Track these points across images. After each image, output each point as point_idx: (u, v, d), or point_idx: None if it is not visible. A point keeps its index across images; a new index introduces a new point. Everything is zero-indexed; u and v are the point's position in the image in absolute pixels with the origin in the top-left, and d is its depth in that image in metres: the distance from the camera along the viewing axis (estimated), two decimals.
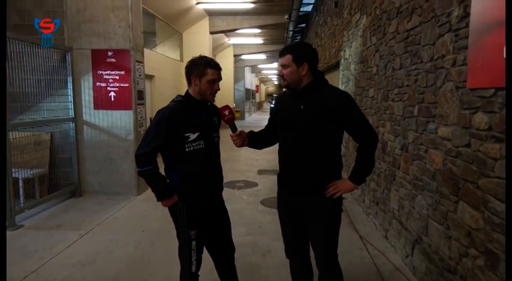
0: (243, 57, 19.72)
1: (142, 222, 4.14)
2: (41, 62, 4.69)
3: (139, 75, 5.20)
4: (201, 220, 2.06)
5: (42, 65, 4.72)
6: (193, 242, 2.03)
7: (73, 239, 3.61)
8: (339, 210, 2.05)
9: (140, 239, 3.67)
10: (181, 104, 2.01)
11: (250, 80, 28.82)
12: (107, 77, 4.98)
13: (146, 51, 7.88)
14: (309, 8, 11.03)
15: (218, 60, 12.70)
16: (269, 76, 37.74)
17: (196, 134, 1.98)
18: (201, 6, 9.41)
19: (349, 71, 5.52)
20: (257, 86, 35.76)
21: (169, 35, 10.40)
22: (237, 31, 12.38)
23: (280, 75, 2.00)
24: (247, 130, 2.20)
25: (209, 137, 2.05)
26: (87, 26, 4.91)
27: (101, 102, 5.03)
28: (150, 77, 8.21)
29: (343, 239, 2.25)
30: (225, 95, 16.88)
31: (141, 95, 5.25)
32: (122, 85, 4.99)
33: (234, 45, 16.39)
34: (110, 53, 4.93)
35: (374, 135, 1.99)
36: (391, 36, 3.47)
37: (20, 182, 4.51)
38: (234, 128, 2.06)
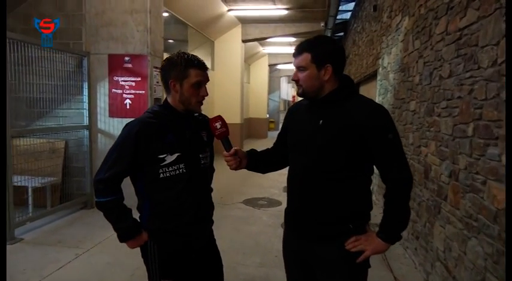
0: (279, 67, 19.31)
1: None
2: (58, 67, 4.53)
3: (157, 82, 4.89)
4: (178, 266, 1.59)
5: (59, 70, 4.55)
6: None
7: (67, 260, 3.27)
8: (365, 267, 1.51)
9: (139, 264, 3.21)
10: (156, 115, 1.57)
11: (287, 91, 28.38)
12: (123, 83, 4.72)
13: None
14: (347, 16, 10.44)
15: (252, 69, 12.49)
16: None
17: (175, 155, 1.53)
18: (232, 13, 9.11)
19: (388, 81, 4.90)
20: (293, 96, 35.18)
21: (200, 43, 10.20)
22: (272, 40, 11.99)
23: (295, 81, 1.51)
24: None
25: (193, 159, 1.60)
26: (105, 30, 4.69)
27: (116, 109, 4.77)
28: None
29: (373, 280, 1.69)
30: (259, 106, 16.56)
31: (158, 103, 4.93)
32: (137, 92, 4.70)
33: (269, 54, 16.02)
34: (126, 58, 4.67)
35: (407, 177, 1.45)
36: (438, 38, 2.88)
37: (29, 191, 4.31)
38: (227, 146, 1.58)
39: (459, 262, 2.37)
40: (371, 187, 1.58)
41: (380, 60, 5.55)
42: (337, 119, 1.45)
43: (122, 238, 1.54)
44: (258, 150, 1.76)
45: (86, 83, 4.73)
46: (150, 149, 1.50)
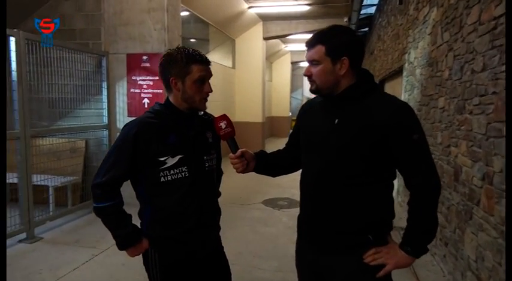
0: (302, 64, 19.05)
1: None
2: (78, 68, 4.56)
3: None
4: (181, 276, 1.48)
5: (79, 70, 4.58)
6: None
7: (83, 260, 3.26)
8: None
9: None
10: (157, 115, 1.47)
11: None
12: (141, 82, 4.70)
13: None
14: (372, 10, 10.10)
15: (275, 68, 12.41)
16: None
17: (177, 157, 1.42)
18: (253, 11, 8.99)
19: (414, 77, 4.64)
20: None
21: (222, 42, 10.15)
22: (294, 37, 11.78)
23: (307, 76, 1.36)
24: None
25: (197, 161, 1.49)
26: (123, 29, 4.68)
27: (135, 109, 4.76)
28: None
29: None
30: (281, 104, 16.39)
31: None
32: (155, 91, 4.67)
33: (292, 52, 15.80)
34: (144, 58, 4.64)
35: (435, 182, 1.29)
36: (470, 29, 2.64)
37: (50, 190, 4.36)
38: (233, 147, 1.45)
39: (493, 273, 2.16)
40: (395, 190, 1.41)
41: (406, 55, 5.28)
42: (354, 118, 1.30)
43: (121, 246, 1.45)
44: (278, 149, 1.64)
45: (105, 83, 4.75)
46: (150, 152, 1.40)
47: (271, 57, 14.99)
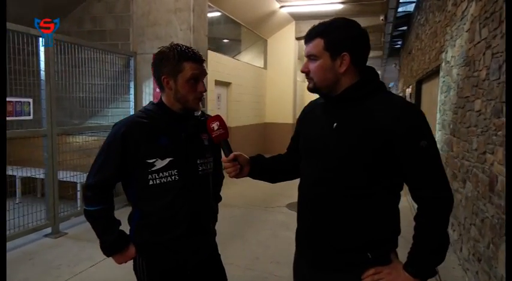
0: None
1: None
2: (107, 68, 4.67)
3: None
4: None
5: (108, 70, 4.70)
6: None
7: (101, 257, 3.30)
8: None
9: None
10: (148, 115, 1.40)
11: None
12: None
13: (223, 57, 7.65)
14: (411, 8, 9.64)
15: None
16: None
17: (167, 160, 1.35)
18: (285, 10, 8.85)
19: (451, 77, 4.33)
20: None
21: (253, 42, 10.10)
22: None
23: (304, 72, 1.25)
24: None
25: (189, 164, 1.41)
26: (151, 30, 4.74)
27: None
28: (226, 84, 7.95)
29: None
30: None
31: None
32: None
33: None
34: None
35: (446, 196, 1.14)
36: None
37: (78, 186, 4.49)
38: (226, 150, 1.36)
39: None
40: (399, 206, 1.26)
41: (443, 54, 4.95)
42: (355, 122, 1.17)
43: (107, 252, 1.41)
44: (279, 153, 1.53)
45: (133, 83, 4.83)
46: (139, 153, 1.34)
47: (304, 57, 14.76)
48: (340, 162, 1.18)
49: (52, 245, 3.58)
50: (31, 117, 3.36)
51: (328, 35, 1.18)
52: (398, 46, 13.69)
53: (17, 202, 4.36)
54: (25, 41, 3.30)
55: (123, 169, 1.36)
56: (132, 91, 4.84)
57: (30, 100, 3.37)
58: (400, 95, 12.79)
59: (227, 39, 9.99)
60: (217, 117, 1.37)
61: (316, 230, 1.25)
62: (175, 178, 1.37)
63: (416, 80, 7.35)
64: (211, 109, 6.62)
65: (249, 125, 9.12)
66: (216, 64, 7.04)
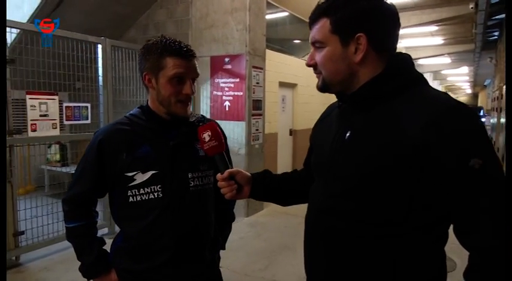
0: (421, 62, 17.07)
1: (228, 255, 3.48)
2: None
3: (257, 82, 4.65)
4: None
5: None
6: None
7: None
8: None
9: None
10: (131, 121, 1.21)
11: None
12: (223, 85, 4.64)
13: (288, 58, 7.39)
14: None
15: None
16: (458, 84, 32.16)
17: (149, 173, 1.15)
18: None
19: None
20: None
21: None
22: (408, 31, 10.51)
23: (311, 66, 0.95)
24: None
25: (177, 179, 1.19)
26: (208, 32, 4.69)
27: (217, 112, 4.73)
28: (292, 86, 7.66)
29: None
30: None
31: (257, 105, 4.69)
32: (236, 94, 4.55)
33: (406, 48, 14.21)
34: (226, 59, 4.57)
35: (495, 245, 0.74)
36: None
37: None
38: (221, 166, 1.10)
39: None
40: (444, 248, 0.88)
41: None
42: (373, 131, 0.85)
43: (85, 275, 1.25)
44: (295, 169, 1.24)
45: None
46: (117, 164, 1.16)
47: None
48: (349, 186, 0.85)
49: (109, 244, 3.67)
50: (89, 121, 3.49)
51: (336, 13, 0.87)
52: (495, 37, 12.01)
53: None
54: (83, 48, 3.43)
55: (101, 183, 1.20)
56: None
57: (88, 105, 3.50)
58: (496, 93, 11.24)
59: (296, 39, 9.69)
60: (210, 126, 1.12)
61: (321, 271, 0.94)
62: (158, 195, 1.16)
63: None
64: (275, 111, 6.41)
65: None
66: (280, 65, 6.80)
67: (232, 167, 1.11)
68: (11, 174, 2.92)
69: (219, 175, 1.09)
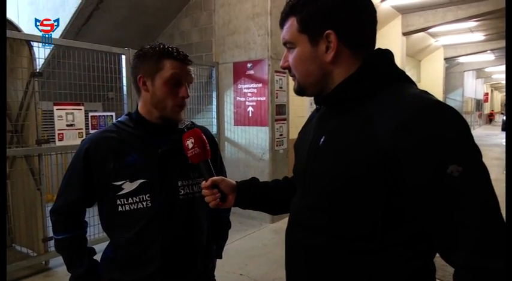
0: (461, 60, 16.26)
1: (249, 262, 3.45)
2: (194, 80, 4.83)
3: (280, 87, 4.60)
4: None
5: (194, 82, 4.84)
6: None
7: None
8: None
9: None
10: (118, 128, 1.20)
11: (475, 87, 23.87)
12: (246, 90, 4.63)
13: None
14: None
15: (424, 66, 11.07)
16: (503, 82, 30.28)
17: (138, 182, 1.13)
18: (387, 4, 7.95)
19: None
20: (486, 94, 29.33)
21: None
22: (446, 28, 10.04)
23: (285, 69, 0.90)
24: None
25: (166, 188, 1.17)
26: (230, 38, 4.72)
27: (240, 117, 4.73)
28: None
29: None
30: None
31: (281, 109, 4.64)
32: (258, 99, 4.52)
33: (445, 46, 13.59)
34: (249, 65, 4.55)
35: (493, 267, 0.63)
36: None
37: None
38: (206, 174, 1.08)
39: None
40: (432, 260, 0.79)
41: None
42: (345, 136, 0.78)
43: None
44: (285, 176, 1.18)
45: (215, 93, 4.87)
46: (105, 173, 1.15)
47: (418, 54, 13.26)
48: (321, 198, 0.79)
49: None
50: None
51: (302, 10, 0.81)
52: None
53: None
54: (109, 59, 3.55)
55: (89, 192, 1.19)
56: (214, 101, 4.88)
57: (113, 114, 3.61)
58: None
59: None
60: (193, 132, 1.10)
61: None
62: (147, 204, 1.14)
63: None
64: (302, 116, 6.31)
65: None
66: None
67: (218, 175, 1.08)
68: (40, 182, 3.06)
69: (203, 183, 1.06)
